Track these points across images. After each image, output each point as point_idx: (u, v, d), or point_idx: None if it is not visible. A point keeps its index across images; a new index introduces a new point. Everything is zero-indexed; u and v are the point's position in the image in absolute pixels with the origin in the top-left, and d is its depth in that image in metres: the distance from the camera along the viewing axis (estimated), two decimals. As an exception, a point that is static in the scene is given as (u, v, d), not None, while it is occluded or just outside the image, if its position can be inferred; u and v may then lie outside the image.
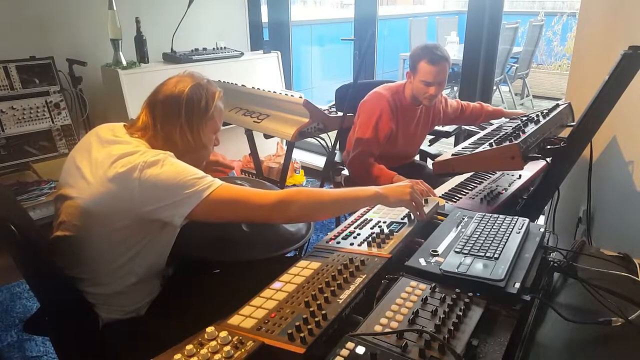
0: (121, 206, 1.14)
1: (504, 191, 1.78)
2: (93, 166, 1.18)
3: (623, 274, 1.10)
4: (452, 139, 2.77)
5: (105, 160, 1.16)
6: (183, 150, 1.26)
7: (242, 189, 1.22)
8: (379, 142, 2.15)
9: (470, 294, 0.94)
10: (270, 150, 3.78)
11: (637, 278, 1.09)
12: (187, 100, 1.24)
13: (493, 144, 1.54)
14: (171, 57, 3.10)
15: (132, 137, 1.24)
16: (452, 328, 0.84)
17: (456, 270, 1.01)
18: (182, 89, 1.25)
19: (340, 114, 2.30)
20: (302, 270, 1.08)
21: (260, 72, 3.47)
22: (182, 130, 1.26)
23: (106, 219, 1.16)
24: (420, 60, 2.04)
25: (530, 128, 1.60)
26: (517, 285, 0.96)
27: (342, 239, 1.24)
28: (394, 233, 1.23)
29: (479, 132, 1.99)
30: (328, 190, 1.28)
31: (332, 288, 0.97)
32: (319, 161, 3.80)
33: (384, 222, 1.31)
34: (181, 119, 1.25)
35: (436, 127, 2.63)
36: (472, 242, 1.13)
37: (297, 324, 0.86)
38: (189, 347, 0.82)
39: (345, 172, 2.54)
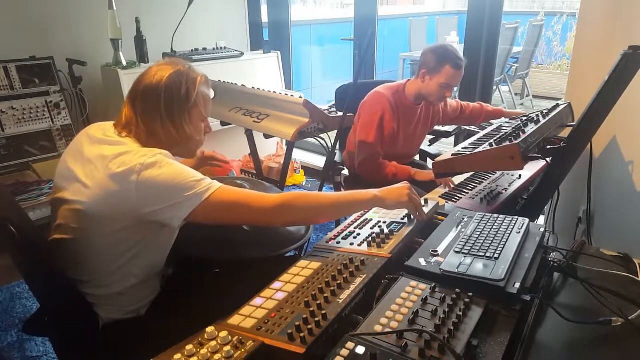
0: (118, 208, 1.12)
1: (504, 191, 1.78)
2: (87, 168, 1.16)
3: (623, 274, 1.10)
4: (452, 139, 2.77)
5: (99, 161, 1.15)
6: (168, 143, 1.22)
7: (241, 191, 1.20)
8: (383, 142, 2.15)
9: (470, 294, 0.94)
10: (270, 150, 3.79)
11: (637, 278, 1.09)
12: (165, 90, 1.20)
13: (493, 144, 1.53)
14: (171, 57, 3.09)
15: (120, 136, 1.21)
16: (452, 328, 0.84)
17: (456, 270, 1.01)
18: (160, 78, 1.20)
19: (340, 114, 2.30)
20: (302, 270, 1.08)
21: (260, 72, 3.47)
22: (164, 123, 1.21)
23: (103, 221, 1.15)
24: (445, 64, 2.05)
25: (530, 128, 1.60)
26: (517, 285, 0.96)
27: (342, 239, 1.24)
28: (394, 233, 1.23)
29: (479, 132, 1.99)
30: (327, 193, 1.27)
31: (332, 288, 0.97)
32: (319, 161, 3.80)
33: (384, 222, 1.31)
34: (161, 110, 1.20)
35: (436, 127, 2.63)
36: (472, 242, 1.13)
37: (297, 324, 0.86)
38: (189, 347, 0.82)
39: (346, 172, 2.54)
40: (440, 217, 1.37)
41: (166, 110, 1.21)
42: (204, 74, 1.29)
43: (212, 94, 1.34)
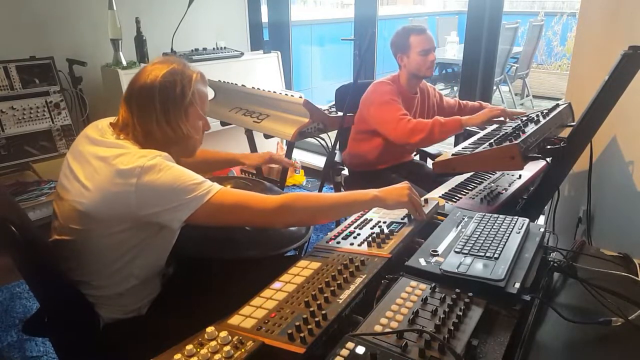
0: (118, 210, 1.12)
1: (504, 191, 1.78)
2: (87, 170, 1.16)
3: (623, 274, 1.10)
4: (452, 139, 2.77)
5: (98, 163, 1.14)
6: (165, 143, 1.21)
7: (241, 193, 1.19)
8: (400, 105, 2.15)
9: (470, 294, 0.94)
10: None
11: (637, 278, 1.09)
12: (160, 89, 1.17)
13: (493, 144, 1.54)
14: (166, 55, 3.09)
15: (118, 138, 1.20)
16: (452, 328, 0.84)
17: (456, 270, 1.01)
18: (154, 77, 1.18)
19: (340, 114, 2.30)
20: (302, 270, 1.08)
21: (260, 72, 3.47)
22: (159, 123, 1.19)
23: (104, 222, 1.15)
24: (408, 36, 2.17)
25: (530, 128, 1.60)
26: (517, 285, 0.96)
27: (342, 239, 1.24)
28: (394, 233, 1.23)
29: (479, 132, 1.99)
30: (327, 194, 1.27)
31: (332, 288, 0.97)
32: (319, 161, 3.80)
33: (384, 222, 1.31)
34: (156, 110, 1.18)
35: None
36: (472, 242, 1.13)
37: (297, 324, 0.86)
38: (189, 347, 0.82)
39: (346, 172, 2.54)
40: (440, 217, 1.37)
41: (162, 110, 1.19)
42: (199, 71, 1.26)
43: (210, 92, 1.33)
